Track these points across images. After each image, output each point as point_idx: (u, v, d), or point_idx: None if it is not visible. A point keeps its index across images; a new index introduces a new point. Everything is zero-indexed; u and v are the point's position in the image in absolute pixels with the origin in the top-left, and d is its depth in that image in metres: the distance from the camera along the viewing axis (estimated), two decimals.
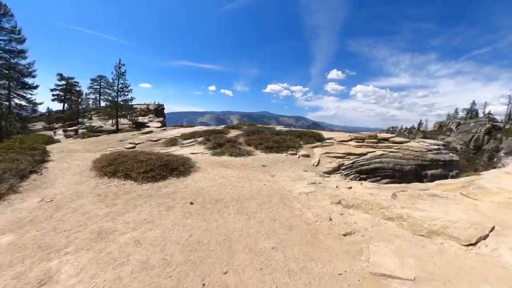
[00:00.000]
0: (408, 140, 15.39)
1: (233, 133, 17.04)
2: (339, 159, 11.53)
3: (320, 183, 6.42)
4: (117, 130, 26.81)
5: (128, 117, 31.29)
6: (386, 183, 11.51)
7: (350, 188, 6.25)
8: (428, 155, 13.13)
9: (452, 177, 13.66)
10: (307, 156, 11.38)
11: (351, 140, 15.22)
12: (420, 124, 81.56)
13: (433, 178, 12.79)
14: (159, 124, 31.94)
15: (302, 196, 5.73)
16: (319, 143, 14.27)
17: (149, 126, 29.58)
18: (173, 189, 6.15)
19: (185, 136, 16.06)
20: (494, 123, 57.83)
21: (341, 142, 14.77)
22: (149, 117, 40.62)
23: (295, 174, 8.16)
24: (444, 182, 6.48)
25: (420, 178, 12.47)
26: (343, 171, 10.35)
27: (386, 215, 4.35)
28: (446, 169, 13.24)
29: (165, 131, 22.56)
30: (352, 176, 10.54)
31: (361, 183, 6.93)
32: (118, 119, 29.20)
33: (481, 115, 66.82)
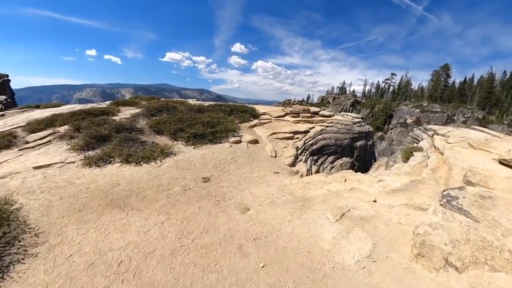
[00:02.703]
0: (333, 114, 15.63)
1: (126, 112, 11.02)
2: (289, 141, 9.50)
3: (349, 210, 3.66)
4: None
5: None
6: (333, 160, 10.74)
7: (375, 201, 4.05)
8: (355, 128, 13.59)
9: (370, 146, 15.13)
10: (256, 142, 8.52)
11: (286, 114, 13.65)
12: (308, 97, 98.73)
13: (360, 149, 13.49)
14: None
15: (377, 276, 2.61)
16: (256, 121, 11.70)
17: None
18: None
19: (34, 127, 8.70)
20: (356, 98, 78.21)
21: (278, 118, 12.87)
22: None
23: (276, 189, 4.69)
24: (420, 162, 5.54)
25: (353, 150, 12.75)
26: (301, 157, 8.34)
27: None
28: (366, 140, 14.37)
29: (2, 118, 12.71)
30: (309, 161, 8.78)
31: (363, 182, 4.93)
32: None
33: (348, 92, 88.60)
